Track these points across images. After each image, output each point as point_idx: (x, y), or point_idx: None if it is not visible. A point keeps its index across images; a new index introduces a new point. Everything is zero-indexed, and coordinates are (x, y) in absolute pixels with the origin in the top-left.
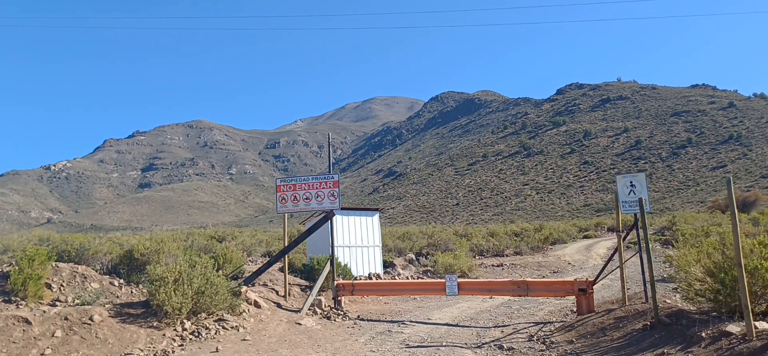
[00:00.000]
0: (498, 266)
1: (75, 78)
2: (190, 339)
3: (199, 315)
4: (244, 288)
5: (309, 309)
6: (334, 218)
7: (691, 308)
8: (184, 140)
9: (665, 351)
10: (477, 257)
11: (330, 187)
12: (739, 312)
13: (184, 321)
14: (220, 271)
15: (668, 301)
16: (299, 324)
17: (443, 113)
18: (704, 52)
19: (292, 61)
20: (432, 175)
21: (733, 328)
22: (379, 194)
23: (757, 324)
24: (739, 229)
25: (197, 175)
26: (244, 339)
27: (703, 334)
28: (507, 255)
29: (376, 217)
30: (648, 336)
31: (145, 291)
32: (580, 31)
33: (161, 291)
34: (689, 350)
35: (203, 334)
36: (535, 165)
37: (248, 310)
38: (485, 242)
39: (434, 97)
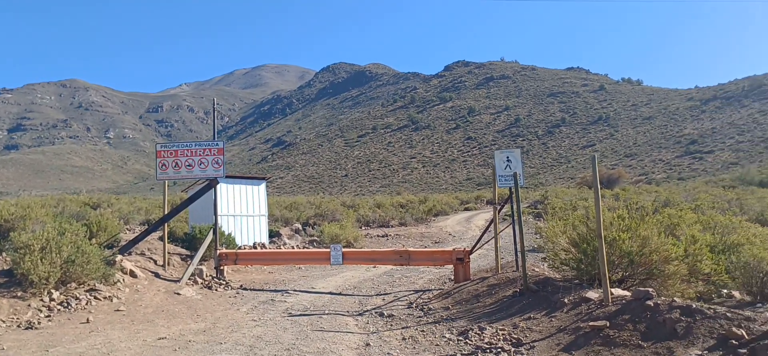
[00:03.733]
0: (383, 236)
1: None
2: (59, 309)
3: (68, 285)
4: (119, 258)
5: (189, 279)
6: (218, 186)
7: (557, 276)
8: (56, 99)
9: (532, 315)
10: (363, 228)
11: (214, 154)
12: (598, 280)
13: (52, 291)
14: (94, 239)
15: (537, 270)
16: (178, 294)
17: (334, 84)
18: (580, 37)
19: (178, 20)
20: (322, 146)
21: (593, 294)
22: (268, 163)
23: (613, 290)
24: (601, 203)
25: (71, 138)
26: (117, 310)
27: (566, 300)
28: (392, 226)
29: (263, 186)
30: (517, 302)
31: (8, 259)
32: (468, 9)
33: (27, 260)
34: (553, 315)
35: (73, 305)
36: (422, 139)
37: (123, 280)
38: (372, 213)
39: (326, 67)
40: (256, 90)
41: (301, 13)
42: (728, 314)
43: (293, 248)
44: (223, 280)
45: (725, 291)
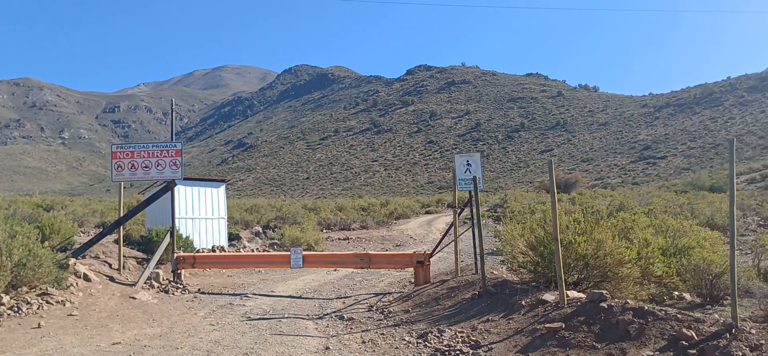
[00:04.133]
0: (344, 239)
1: None
2: (9, 314)
3: (19, 290)
4: (72, 261)
5: (145, 283)
6: (176, 188)
7: (515, 278)
8: (8, 98)
9: (490, 318)
10: (325, 231)
11: (172, 155)
12: (554, 282)
13: (2, 295)
14: (46, 242)
15: (496, 272)
16: (134, 298)
17: (296, 86)
18: (539, 44)
19: (136, 19)
20: (283, 148)
21: (549, 296)
22: (228, 165)
23: (569, 292)
24: (557, 207)
25: (24, 138)
26: (70, 315)
27: (523, 302)
28: (353, 229)
29: (222, 188)
30: (476, 304)
31: None
32: (430, 14)
33: None
34: (510, 317)
35: (24, 309)
36: (384, 142)
37: (77, 284)
38: (333, 216)
39: (288, 69)
40: (216, 91)
41: (262, 14)
42: (679, 315)
43: (253, 251)
44: (181, 284)
45: (676, 293)
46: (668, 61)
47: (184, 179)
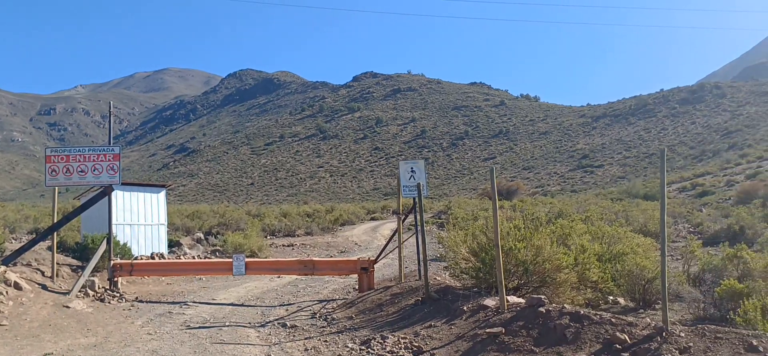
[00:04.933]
0: (289, 246)
1: None
2: None
3: None
4: (2, 269)
5: (80, 291)
6: (113, 193)
7: (458, 284)
8: None
9: (433, 323)
10: (269, 238)
11: (109, 160)
12: (495, 288)
13: None
14: None
15: (439, 278)
16: (67, 307)
17: (241, 91)
18: (483, 53)
19: (74, 18)
20: (227, 153)
21: (490, 302)
22: (170, 170)
23: (509, 298)
24: (499, 214)
25: None
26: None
27: (465, 308)
28: (298, 235)
29: (162, 194)
30: (419, 310)
31: None
32: (377, 22)
33: None
34: (453, 322)
35: None
36: (330, 148)
37: (7, 293)
38: (278, 222)
39: (232, 73)
40: (158, 94)
41: (207, 17)
42: (613, 319)
43: (194, 258)
44: (117, 292)
45: (611, 297)
46: (605, 74)
47: (123, 184)
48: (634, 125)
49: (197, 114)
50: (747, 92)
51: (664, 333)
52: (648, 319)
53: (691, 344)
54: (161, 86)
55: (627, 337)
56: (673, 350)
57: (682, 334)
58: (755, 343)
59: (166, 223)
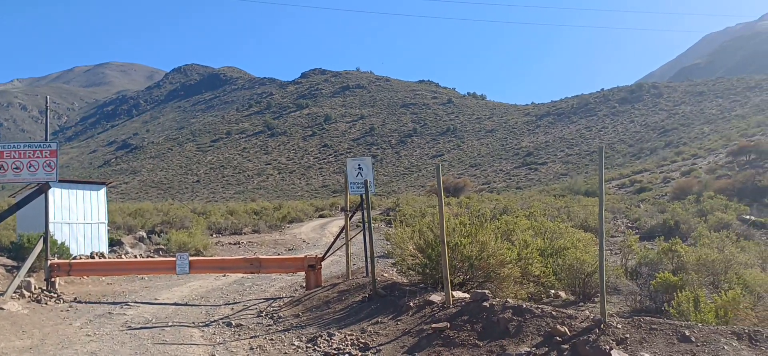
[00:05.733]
0: (235, 244)
1: None
2: None
3: None
4: None
5: (15, 292)
6: (50, 191)
7: (405, 280)
8: None
9: (379, 320)
10: (215, 236)
11: (46, 156)
12: (441, 284)
13: None
14: None
15: (386, 275)
16: (2, 308)
17: (186, 86)
18: (431, 52)
19: (9, 9)
20: (171, 150)
21: (436, 297)
22: (111, 167)
23: (454, 293)
24: (446, 210)
25: None
26: None
27: (412, 304)
28: (245, 233)
29: (103, 191)
30: (366, 307)
31: None
32: (325, 19)
33: None
34: (399, 318)
35: None
36: (278, 145)
37: None
38: (224, 220)
39: (177, 68)
40: (99, 89)
41: (150, 10)
42: (554, 313)
43: (136, 257)
44: (55, 293)
45: (553, 291)
46: (549, 73)
47: (61, 181)
48: (576, 124)
49: (140, 109)
50: (682, 92)
51: (602, 325)
52: (587, 312)
53: (627, 335)
54: (102, 81)
55: (567, 330)
56: (611, 341)
57: (619, 326)
58: (688, 333)
59: (106, 221)
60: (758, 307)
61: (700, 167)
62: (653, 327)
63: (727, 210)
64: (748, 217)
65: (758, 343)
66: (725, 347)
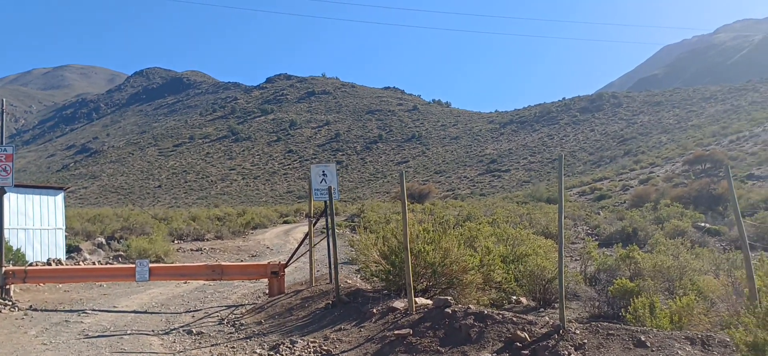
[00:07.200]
0: (197, 250)
1: None
2: None
3: None
4: None
5: None
6: (5, 195)
7: (369, 287)
8: None
9: (343, 327)
10: (176, 242)
11: (2, 160)
12: (405, 290)
13: None
14: None
15: (350, 281)
16: None
17: (148, 90)
18: (396, 58)
19: None
20: (133, 154)
21: (399, 304)
22: (70, 171)
23: (417, 299)
24: (409, 217)
25: None
26: None
27: (375, 310)
28: (208, 240)
29: (60, 197)
30: (329, 314)
31: None
32: (290, 24)
33: None
34: (362, 325)
35: None
36: (243, 150)
37: None
38: (186, 226)
39: (139, 71)
40: (57, 92)
41: (111, 11)
42: (514, 318)
43: (95, 263)
44: (9, 300)
45: (514, 297)
46: (512, 82)
47: (16, 185)
48: (539, 132)
49: (100, 113)
50: (641, 101)
51: (561, 331)
52: (547, 318)
53: (585, 341)
54: (61, 84)
55: (527, 335)
56: (569, 347)
57: (578, 332)
58: (643, 339)
59: (64, 227)
60: (711, 313)
61: (658, 176)
62: (610, 332)
63: (683, 218)
64: (703, 224)
65: (711, 348)
66: (679, 352)
